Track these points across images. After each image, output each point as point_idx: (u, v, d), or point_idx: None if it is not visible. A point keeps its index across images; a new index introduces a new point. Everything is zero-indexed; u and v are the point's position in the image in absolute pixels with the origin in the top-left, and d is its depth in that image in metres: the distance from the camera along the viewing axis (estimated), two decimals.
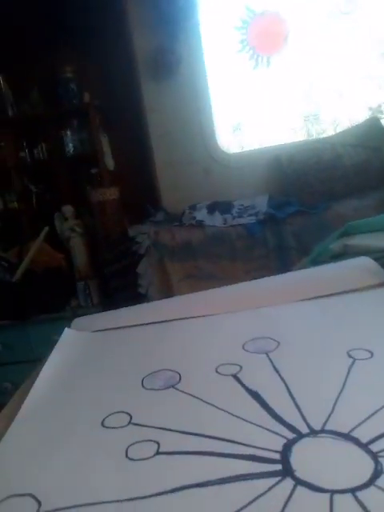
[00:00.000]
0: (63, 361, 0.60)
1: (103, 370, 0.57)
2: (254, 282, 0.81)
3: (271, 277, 0.82)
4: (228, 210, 1.71)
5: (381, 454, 0.34)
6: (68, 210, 2.13)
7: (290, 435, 0.37)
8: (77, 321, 0.76)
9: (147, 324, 0.70)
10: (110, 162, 2.17)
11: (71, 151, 2.28)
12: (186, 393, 0.47)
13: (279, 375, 0.48)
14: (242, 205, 1.73)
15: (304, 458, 0.34)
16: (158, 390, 0.49)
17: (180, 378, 0.51)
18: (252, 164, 1.85)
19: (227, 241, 1.57)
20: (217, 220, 1.66)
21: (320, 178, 1.71)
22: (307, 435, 0.37)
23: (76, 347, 0.66)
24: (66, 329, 0.71)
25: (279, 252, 1.57)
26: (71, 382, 0.54)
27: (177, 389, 0.49)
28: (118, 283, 1.68)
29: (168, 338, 0.64)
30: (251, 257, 1.54)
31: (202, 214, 1.69)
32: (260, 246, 1.57)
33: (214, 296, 0.78)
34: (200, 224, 1.64)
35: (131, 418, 0.44)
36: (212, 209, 1.71)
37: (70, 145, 2.29)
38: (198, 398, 0.46)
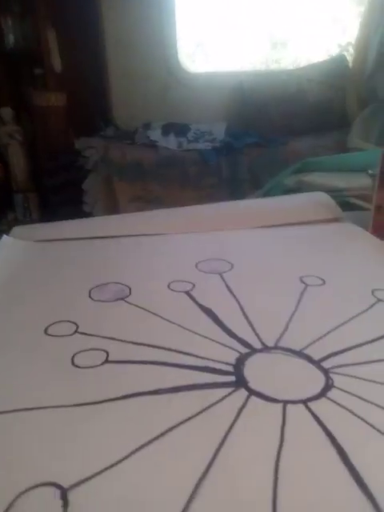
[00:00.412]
0: (1, 268, 0.56)
1: (46, 280, 0.53)
2: (208, 205, 0.78)
3: (227, 202, 0.80)
4: (183, 133, 1.63)
5: (332, 370, 0.34)
6: (6, 112, 1.92)
7: (244, 350, 0.37)
8: (16, 229, 0.70)
9: (95, 238, 0.66)
10: (56, 63, 1.94)
11: (11, 44, 2.01)
12: (136, 305, 0.45)
13: (233, 294, 0.48)
14: (199, 130, 1.66)
15: (257, 371, 0.34)
16: (106, 301, 0.47)
17: (130, 292, 0.48)
18: (213, 87, 1.74)
19: (179, 165, 1.51)
20: (171, 142, 1.58)
21: (281, 111, 1.66)
22: (260, 351, 0.37)
23: (16, 255, 0.61)
24: (5, 236, 0.65)
25: (231, 183, 1.54)
26: (10, 291, 0.50)
27: (127, 301, 0.46)
28: (60, 198, 1.58)
29: (117, 253, 0.60)
30: (202, 184, 1.50)
31: (156, 134, 1.59)
32: (212, 175, 1.53)
33: (167, 216, 0.75)
34: (153, 144, 1.56)
35: (77, 327, 0.42)
36: (167, 130, 1.62)
37: (11, 36, 2.02)
38: (149, 311, 0.44)
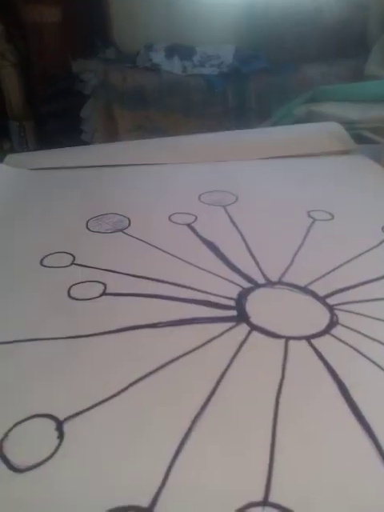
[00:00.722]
0: None
1: (41, 209, 0.51)
2: (213, 134, 0.74)
3: (233, 131, 0.76)
4: (189, 57, 1.50)
5: (337, 306, 0.33)
6: None
7: (246, 284, 0.36)
8: (10, 157, 0.66)
9: (93, 167, 0.62)
10: None
11: None
12: (135, 237, 0.44)
13: (236, 228, 0.46)
14: (205, 52, 1.54)
15: (259, 306, 0.33)
16: (104, 232, 0.45)
17: (129, 223, 0.46)
18: (222, 4, 1.59)
19: (184, 92, 1.42)
20: (175, 66, 1.47)
21: (294, 33, 1.53)
22: (263, 285, 0.36)
23: (10, 184, 0.58)
24: None
25: (238, 112, 1.46)
26: (3, 220, 0.48)
27: (126, 233, 0.45)
28: (57, 126, 1.50)
29: (117, 183, 0.58)
30: (207, 113, 1.42)
31: (159, 57, 1.47)
32: (218, 103, 1.44)
33: (169, 145, 0.71)
34: (156, 68, 1.45)
35: (74, 258, 0.40)
36: (171, 52, 1.50)
37: None
38: (149, 243, 0.42)
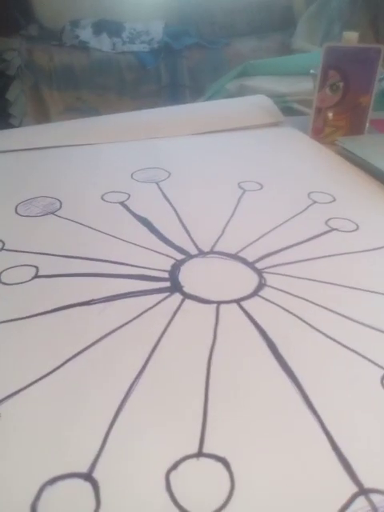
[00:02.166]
0: None
1: None
2: (144, 112, 0.73)
3: (163, 108, 0.75)
4: (118, 33, 1.46)
5: (265, 270, 0.35)
6: None
7: (179, 256, 0.37)
8: None
9: (20, 150, 0.60)
10: None
11: None
12: (67, 219, 0.43)
13: (169, 203, 0.46)
14: (135, 29, 1.50)
15: (192, 276, 0.34)
16: (35, 216, 0.44)
17: (61, 205, 0.46)
18: None
19: (115, 70, 1.38)
20: (104, 43, 1.42)
21: (223, 7, 1.52)
22: (196, 256, 0.37)
23: None
24: None
25: (172, 89, 1.44)
26: None
27: (57, 215, 0.44)
28: None
29: (47, 165, 0.56)
30: (141, 92, 1.40)
31: (86, 34, 1.42)
32: (151, 81, 1.42)
33: (99, 124, 0.69)
34: (84, 46, 1.40)
35: (4, 244, 0.39)
36: (99, 29, 1.44)
37: None
38: (81, 223, 0.42)
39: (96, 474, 0.20)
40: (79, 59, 1.38)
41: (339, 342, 0.28)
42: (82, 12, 1.49)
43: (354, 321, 0.30)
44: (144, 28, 1.51)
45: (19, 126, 1.33)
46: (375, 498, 0.20)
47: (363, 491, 0.20)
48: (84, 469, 0.21)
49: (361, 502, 0.20)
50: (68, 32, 1.44)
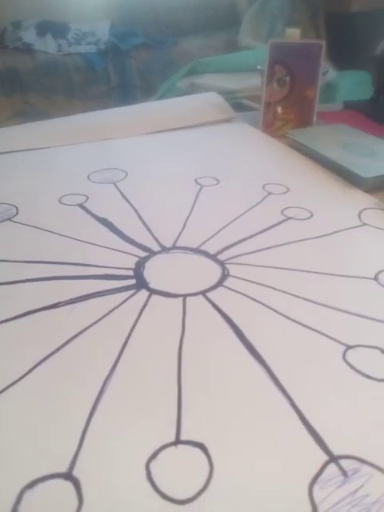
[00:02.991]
0: None
1: None
2: (97, 113, 0.73)
3: (118, 108, 0.75)
4: (63, 34, 1.43)
5: (227, 261, 0.36)
6: None
7: (143, 254, 0.37)
8: None
9: None
10: None
11: None
12: (25, 224, 0.42)
13: (128, 202, 0.46)
14: (80, 30, 1.47)
15: (157, 272, 0.35)
16: None
17: (17, 211, 0.45)
18: None
19: (63, 72, 1.35)
20: (49, 45, 1.39)
21: (167, 7, 1.53)
22: (159, 252, 0.37)
23: None
24: None
25: (122, 90, 1.43)
26: None
27: (14, 221, 0.43)
28: None
29: (0, 172, 0.54)
30: (91, 94, 1.38)
31: (30, 36, 1.38)
32: (101, 82, 1.41)
33: (52, 127, 0.68)
34: (28, 48, 1.36)
35: None
36: (43, 30, 1.41)
37: None
38: (40, 228, 0.41)
39: (76, 472, 0.21)
40: (24, 62, 1.35)
41: (301, 323, 0.29)
42: (23, 12, 1.44)
43: (314, 302, 0.31)
44: (90, 29, 1.49)
45: None
46: (344, 463, 0.21)
47: (333, 459, 0.21)
48: (63, 468, 0.21)
49: (332, 468, 0.21)
50: (10, 34, 1.39)
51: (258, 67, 0.72)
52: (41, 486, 0.20)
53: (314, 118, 0.69)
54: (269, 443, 0.22)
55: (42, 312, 0.30)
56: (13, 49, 1.38)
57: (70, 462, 0.21)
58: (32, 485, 0.20)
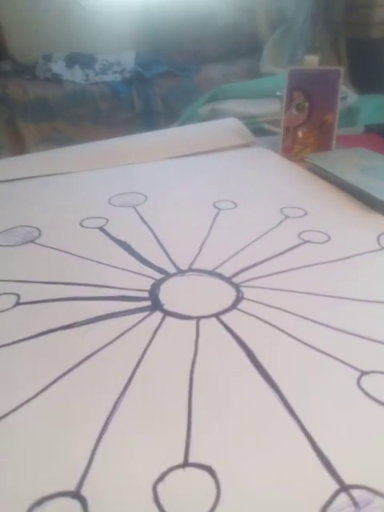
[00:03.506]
0: None
1: None
2: (119, 139, 0.75)
3: (138, 134, 0.77)
4: (90, 65, 1.50)
5: (242, 284, 0.36)
6: None
7: (159, 276, 0.38)
8: None
9: None
10: None
11: None
12: (47, 246, 0.44)
13: (147, 226, 0.47)
14: (106, 60, 1.54)
15: (172, 294, 0.35)
16: (14, 245, 0.44)
17: (40, 233, 0.46)
18: (118, 12, 1.60)
19: (89, 100, 1.41)
20: (77, 75, 1.45)
21: (191, 36, 1.59)
22: (175, 274, 0.38)
23: None
24: None
25: (146, 116, 1.48)
26: None
27: (36, 243, 0.44)
28: None
29: (24, 196, 0.57)
30: (116, 120, 1.43)
31: (59, 67, 1.45)
32: (126, 109, 1.46)
33: (76, 153, 0.71)
34: (57, 78, 1.43)
35: None
36: (71, 61, 1.48)
37: None
38: (61, 250, 0.43)
39: (84, 491, 0.21)
40: (53, 91, 1.41)
41: (316, 348, 0.29)
42: (54, 46, 1.52)
43: (329, 327, 0.31)
44: (116, 59, 1.55)
45: None
46: (356, 493, 0.20)
47: (344, 488, 0.21)
48: (72, 487, 0.21)
49: (343, 497, 0.20)
50: (41, 66, 1.47)
51: (278, 93, 0.74)
52: (49, 504, 0.20)
53: (334, 142, 0.69)
54: (278, 469, 0.22)
55: (59, 331, 0.31)
56: (43, 80, 1.45)
57: (78, 481, 0.21)
58: (40, 502, 0.20)
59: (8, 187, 0.59)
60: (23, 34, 1.53)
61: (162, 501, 0.20)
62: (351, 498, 0.20)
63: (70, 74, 1.46)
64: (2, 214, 0.51)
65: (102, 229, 0.47)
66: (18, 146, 1.36)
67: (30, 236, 0.46)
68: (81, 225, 0.48)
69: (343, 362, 0.28)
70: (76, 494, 0.20)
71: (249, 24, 1.66)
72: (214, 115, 1.08)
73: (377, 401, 0.25)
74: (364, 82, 1.38)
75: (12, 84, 1.39)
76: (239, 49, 1.60)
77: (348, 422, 0.24)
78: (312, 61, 0.69)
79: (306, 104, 0.68)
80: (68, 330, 0.31)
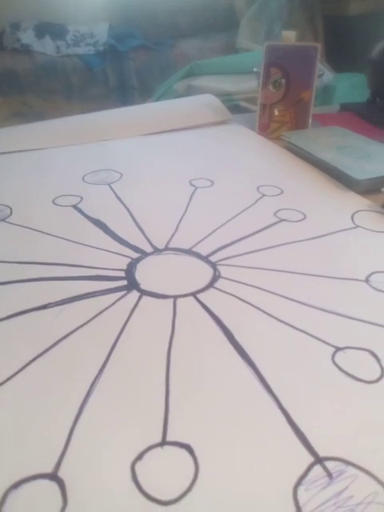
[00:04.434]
0: None
1: None
2: (93, 114, 0.73)
3: (114, 109, 0.75)
4: (61, 36, 1.44)
5: (219, 262, 0.36)
6: None
7: (135, 255, 0.37)
8: None
9: None
10: None
11: None
12: (19, 225, 0.42)
13: (122, 203, 0.46)
14: (78, 31, 1.48)
15: (148, 273, 0.35)
16: None
17: (11, 212, 0.45)
18: None
19: (61, 73, 1.36)
20: (48, 46, 1.39)
21: (165, 9, 1.54)
22: (151, 254, 0.37)
23: None
24: None
25: (120, 91, 1.44)
26: None
27: (8, 222, 0.43)
28: None
29: None
30: (89, 95, 1.38)
31: (28, 37, 1.38)
32: (99, 84, 1.41)
33: (48, 128, 0.68)
34: (27, 49, 1.36)
35: None
36: (41, 31, 1.41)
37: None
38: (34, 228, 0.41)
39: (61, 473, 0.21)
40: (23, 63, 1.35)
41: (291, 325, 0.30)
42: (21, 14, 1.45)
43: (304, 304, 0.31)
44: (88, 30, 1.49)
45: None
46: (330, 464, 0.21)
47: (319, 460, 0.21)
48: (49, 469, 0.21)
49: (317, 469, 0.21)
50: (9, 35, 1.40)
51: (254, 69, 0.73)
52: (26, 487, 0.20)
53: (310, 121, 0.69)
54: (255, 445, 0.22)
55: (32, 313, 0.31)
56: (11, 50, 1.38)
57: (55, 463, 0.21)
58: (17, 485, 0.20)
59: None
60: None
61: (141, 479, 0.20)
62: (325, 469, 0.21)
63: (40, 45, 1.39)
64: None
65: (75, 207, 0.46)
66: None
67: (0, 214, 0.44)
68: (54, 203, 0.46)
69: (318, 339, 0.29)
70: (53, 476, 0.20)
71: None
72: (189, 91, 1.06)
73: (350, 375, 0.26)
74: (340, 60, 1.38)
75: None
76: (216, 23, 1.57)
77: (322, 397, 0.25)
78: (289, 36, 0.68)
79: (283, 81, 0.67)
80: (41, 311, 0.31)
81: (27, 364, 0.26)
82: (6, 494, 0.20)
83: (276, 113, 0.69)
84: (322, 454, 0.22)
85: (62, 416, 0.23)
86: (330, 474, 0.21)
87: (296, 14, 1.44)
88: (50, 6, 1.45)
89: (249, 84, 1.04)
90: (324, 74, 0.92)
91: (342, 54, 1.41)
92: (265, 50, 0.66)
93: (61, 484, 0.20)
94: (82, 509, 0.19)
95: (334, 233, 0.41)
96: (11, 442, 0.22)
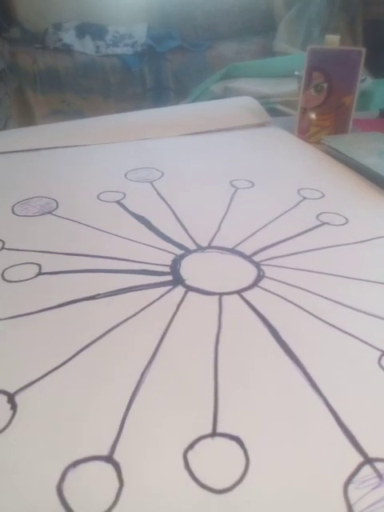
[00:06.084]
0: None
1: None
2: (135, 113, 0.74)
3: (154, 109, 0.76)
4: (101, 36, 1.47)
5: (263, 262, 0.36)
6: None
7: (179, 252, 0.38)
8: None
9: (13, 152, 0.60)
10: None
11: None
12: (65, 218, 0.44)
13: (164, 201, 0.47)
14: (118, 32, 1.50)
15: (193, 270, 0.35)
16: (32, 216, 0.44)
17: (57, 205, 0.46)
18: None
19: (100, 73, 1.39)
20: (88, 46, 1.42)
21: (204, 10, 1.55)
22: (195, 251, 0.38)
23: None
24: None
25: (157, 92, 1.46)
26: None
27: (55, 214, 0.44)
28: None
29: (39, 167, 0.56)
30: (126, 95, 1.40)
31: (69, 37, 1.42)
32: (136, 84, 1.43)
33: (90, 126, 0.70)
34: (68, 49, 1.40)
35: (4, 243, 0.39)
36: (82, 32, 1.44)
37: None
38: (79, 222, 0.43)
39: (116, 456, 0.21)
40: (63, 62, 1.38)
41: (337, 327, 0.30)
42: (64, 15, 1.48)
43: (349, 307, 0.31)
44: (127, 31, 1.51)
45: (3, 128, 1.32)
46: (379, 465, 0.21)
47: (368, 460, 0.21)
48: (104, 452, 0.21)
49: (367, 470, 0.21)
50: (51, 35, 1.43)
51: (296, 73, 0.72)
52: (83, 467, 0.21)
53: (350, 126, 0.68)
54: (304, 442, 0.22)
55: (82, 302, 0.32)
56: (53, 49, 1.41)
57: (110, 447, 0.22)
58: (75, 465, 0.21)
59: (22, 157, 0.59)
60: (33, 1, 1.49)
61: (193, 468, 0.21)
62: (375, 470, 0.21)
63: (80, 45, 1.43)
64: (18, 184, 0.51)
65: (119, 203, 0.47)
66: (27, 117, 1.34)
67: (47, 207, 0.46)
68: (98, 198, 0.48)
69: (364, 342, 0.29)
70: (109, 459, 0.21)
71: (264, 0, 1.61)
72: (226, 93, 1.06)
73: None
74: (378, 65, 1.36)
75: (21, 53, 1.36)
76: (253, 26, 1.57)
77: (370, 399, 0.25)
78: (333, 40, 0.68)
79: (325, 85, 0.67)
80: (91, 301, 0.32)
81: (80, 350, 0.27)
82: (65, 472, 0.20)
83: (316, 117, 0.68)
84: (371, 454, 0.22)
85: (114, 402, 0.24)
86: (380, 475, 0.21)
87: (336, 18, 1.43)
88: (91, 6, 1.48)
89: (286, 87, 1.03)
90: (366, 79, 0.90)
91: (380, 59, 1.39)
92: (308, 53, 0.66)
93: (116, 467, 0.21)
94: (138, 491, 0.20)
95: (378, 238, 0.41)
96: (67, 424, 0.23)
